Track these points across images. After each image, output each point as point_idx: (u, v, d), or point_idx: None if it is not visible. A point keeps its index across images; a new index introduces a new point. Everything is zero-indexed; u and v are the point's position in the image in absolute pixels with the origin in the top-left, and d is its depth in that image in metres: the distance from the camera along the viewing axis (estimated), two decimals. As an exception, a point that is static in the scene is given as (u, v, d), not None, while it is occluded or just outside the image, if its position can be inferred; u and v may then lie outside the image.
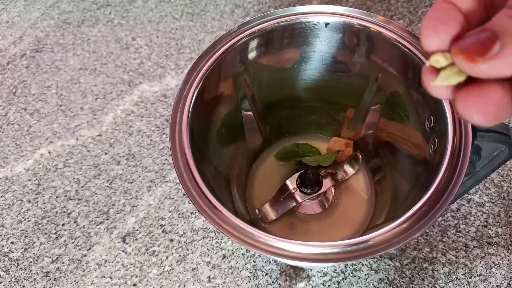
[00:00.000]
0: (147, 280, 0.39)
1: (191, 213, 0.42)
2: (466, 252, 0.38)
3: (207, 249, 0.40)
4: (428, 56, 0.15)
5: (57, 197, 0.44)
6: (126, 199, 0.43)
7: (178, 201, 0.43)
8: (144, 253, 0.40)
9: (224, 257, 0.40)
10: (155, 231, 0.41)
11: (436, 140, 0.29)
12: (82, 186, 0.44)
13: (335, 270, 0.38)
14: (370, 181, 0.40)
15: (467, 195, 0.41)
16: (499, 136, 0.27)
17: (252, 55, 0.33)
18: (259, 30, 0.32)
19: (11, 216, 0.43)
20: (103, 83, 0.52)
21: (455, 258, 0.38)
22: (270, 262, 0.39)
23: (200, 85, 0.30)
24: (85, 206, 0.43)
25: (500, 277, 0.37)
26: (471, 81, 0.14)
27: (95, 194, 0.44)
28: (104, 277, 0.39)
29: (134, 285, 0.39)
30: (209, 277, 0.39)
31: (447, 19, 0.15)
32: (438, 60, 0.15)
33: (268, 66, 0.35)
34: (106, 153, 0.46)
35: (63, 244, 0.41)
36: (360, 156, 0.41)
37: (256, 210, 0.39)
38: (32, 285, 0.39)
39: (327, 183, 0.38)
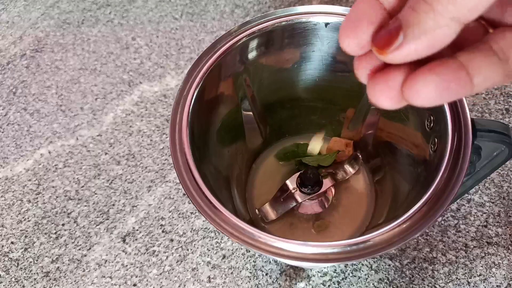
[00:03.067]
0: (147, 280, 0.39)
1: (191, 213, 0.42)
2: (466, 252, 0.38)
3: (207, 249, 0.40)
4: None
5: (57, 197, 0.44)
6: (126, 199, 0.43)
7: (178, 201, 0.43)
8: (144, 253, 0.40)
9: (224, 257, 0.40)
10: (155, 231, 0.41)
11: (436, 140, 0.29)
12: (82, 186, 0.44)
13: (335, 270, 0.38)
14: (370, 181, 0.40)
15: (467, 195, 0.41)
16: (499, 136, 0.27)
17: (252, 55, 0.33)
18: (259, 30, 0.32)
19: (11, 216, 0.43)
20: (103, 83, 0.52)
21: (455, 258, 0.38)
22: (270, 262, 0.39)
23: (200, 85, 0.30)
24: (85, 206, 0.43)
25: (500, 277, 0.37)
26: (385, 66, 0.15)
27: (95, 194, 0.44)
28: (104, 277, 0.39)
29: (134, 285, 0.39)
30: (209, 277, 0.39)
31: (360, 21, 0.15)
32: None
33: (268, 66, 0.35)
34: (106, 153, 0.46)
35: (63, 244, 0.41)
36: (360, 156, 0.41)
37: (256, 210, 0.39)
38: (32, 285, 0.39)
39: (327, 183, 0.38)
